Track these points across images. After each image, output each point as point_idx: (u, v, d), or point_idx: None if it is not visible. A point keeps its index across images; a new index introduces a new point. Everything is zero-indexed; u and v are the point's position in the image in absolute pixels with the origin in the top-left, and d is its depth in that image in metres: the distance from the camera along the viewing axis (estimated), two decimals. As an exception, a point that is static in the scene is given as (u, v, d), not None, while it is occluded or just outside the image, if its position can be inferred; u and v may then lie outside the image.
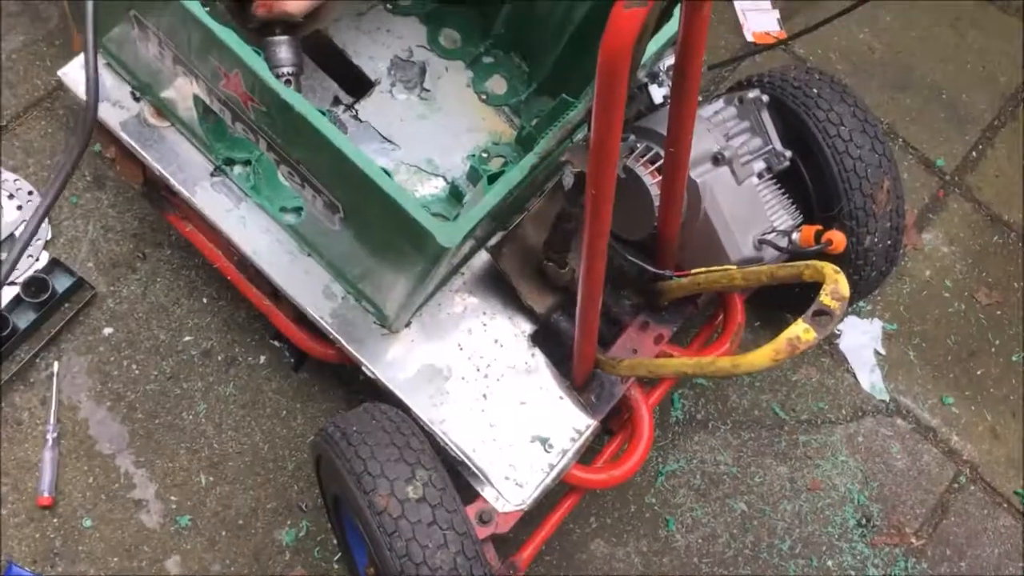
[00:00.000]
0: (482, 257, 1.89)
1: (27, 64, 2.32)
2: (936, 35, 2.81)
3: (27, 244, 1.13)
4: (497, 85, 2.00)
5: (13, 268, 1.12)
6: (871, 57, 2.75)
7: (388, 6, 2.00)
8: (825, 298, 1.36)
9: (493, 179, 1.50)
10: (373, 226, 1.52)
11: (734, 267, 1.66)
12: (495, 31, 1.97)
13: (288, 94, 1.40)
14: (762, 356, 1.38)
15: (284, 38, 1.56)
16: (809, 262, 1.49)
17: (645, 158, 1.76)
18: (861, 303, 2.39)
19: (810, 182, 1.96)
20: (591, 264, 1.52)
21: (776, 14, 2.75)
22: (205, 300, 2.20)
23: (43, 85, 2.30)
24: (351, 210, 1.53)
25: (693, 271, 1.72)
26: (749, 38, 2.71)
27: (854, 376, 2.32)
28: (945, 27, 2.82)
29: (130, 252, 2.21)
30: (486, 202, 1.46)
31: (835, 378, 2.32)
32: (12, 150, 2.23)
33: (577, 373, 1.79)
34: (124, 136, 1.81)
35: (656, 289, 1.87)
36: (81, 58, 1.85)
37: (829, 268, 1.42)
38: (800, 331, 1.34)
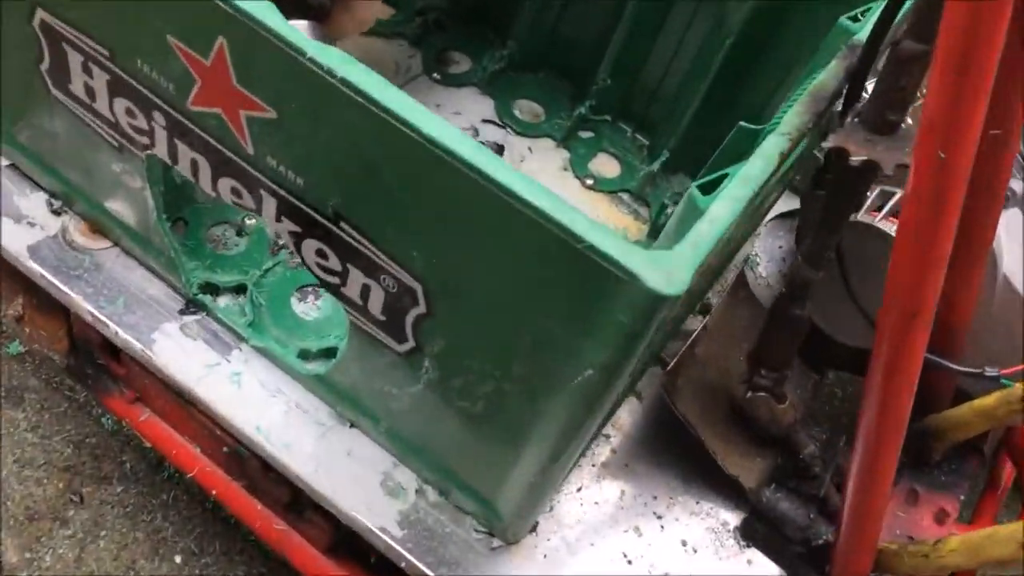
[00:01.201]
0: (631, 407, 1.16)
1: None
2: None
3: None
4: (605, 166, 1.35)
5: None
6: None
7: (435, 75, 1.38)
8: None
9: (709, 189, 0.79)
10: (491, 303, 0.80)
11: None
12: (596, 89, 1.35)
13: (325, 52, 0.74)
14: None
15: (304, 23, 0.92)
16: None
17: (885, 211, 1.09)
18: None
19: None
20: (908, 341, 0.80)
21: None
22: (179, 559, 1.42)
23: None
24: (448, 284, 0.81)
25: (1034, 365, 1.00)
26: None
27: None
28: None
29: (58, 495, 1.44)
30: (719, 217, 0.75)
31: None
32: None
33: (848, 579, 1.01)
34: (35, 267, 1.11)
35: (926, 430, 1.13)
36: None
37: None
38: None
